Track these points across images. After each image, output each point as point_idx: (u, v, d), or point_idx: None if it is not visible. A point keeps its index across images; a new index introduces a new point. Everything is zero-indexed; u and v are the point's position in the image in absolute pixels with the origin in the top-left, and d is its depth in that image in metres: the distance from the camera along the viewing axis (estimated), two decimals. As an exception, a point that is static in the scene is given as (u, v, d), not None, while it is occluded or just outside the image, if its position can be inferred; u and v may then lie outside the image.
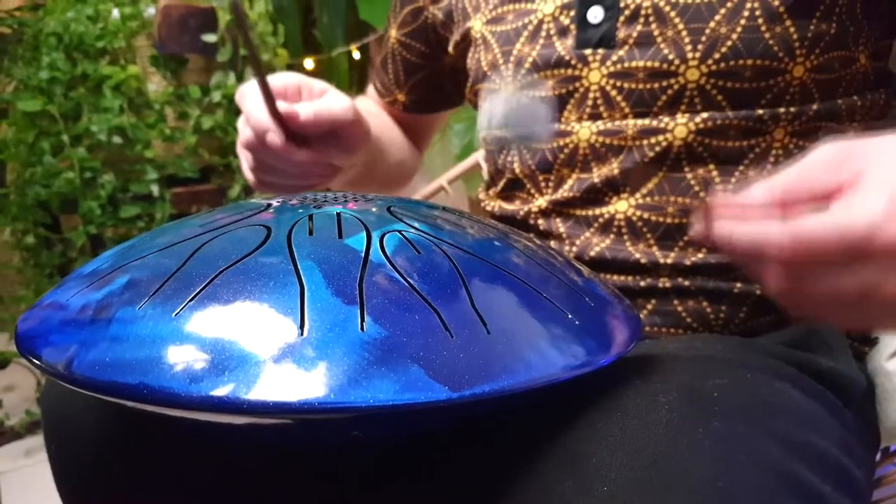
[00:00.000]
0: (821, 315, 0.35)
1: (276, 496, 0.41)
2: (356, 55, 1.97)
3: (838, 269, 0.30)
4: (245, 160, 0.58)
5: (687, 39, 0.48)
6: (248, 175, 0.59)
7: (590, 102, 0.52)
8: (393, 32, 0.74)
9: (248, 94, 0.54)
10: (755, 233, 0.32)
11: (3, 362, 1.45)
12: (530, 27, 0.54)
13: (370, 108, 0.79)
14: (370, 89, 0.82)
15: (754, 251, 0.33)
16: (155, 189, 1.44)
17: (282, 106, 0.52)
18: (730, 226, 0.34)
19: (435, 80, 0.73)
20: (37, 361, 0.29)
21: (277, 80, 0.54)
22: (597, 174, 0.52)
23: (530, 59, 0.54)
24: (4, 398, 1.54)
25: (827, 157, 0.32)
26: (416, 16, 0.70)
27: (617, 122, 0.51)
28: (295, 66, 1.80)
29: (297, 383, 0.25)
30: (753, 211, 0.33)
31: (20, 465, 1.40)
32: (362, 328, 0.27)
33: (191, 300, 0.28)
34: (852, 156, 0.32)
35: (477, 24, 0.59)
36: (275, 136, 0.52)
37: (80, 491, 0.45)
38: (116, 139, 1.40)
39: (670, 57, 0.48)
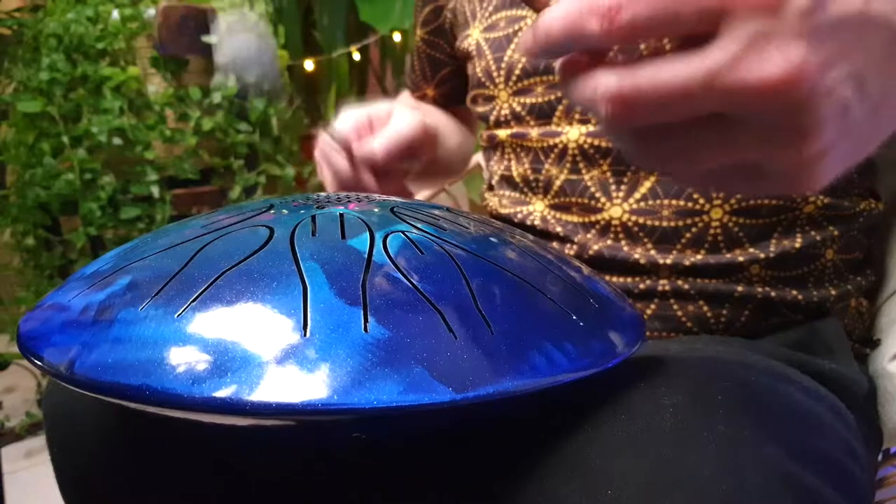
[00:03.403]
0: (671, 151, 0.26)
1: (278, 498, 0.41)
2: (356, 56, 1.98)
3: (685, 53, 0.23)
4: (330, 185, 0.61)
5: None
6: (330, 189, 0.62)
7: (578, 108, 0.52)
8: (417, 31, 0.76)
9: (329, 151, 0.57)
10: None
11: (4, 364, 1.44)
12: (520, 33, 0.55)
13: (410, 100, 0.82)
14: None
15: (570, 33, 0.25)
16: (155, 190, 1.44)
17: (356, 147, 0.55)
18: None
19: (463, 73, 0.74)
20: (39, 362, 0.29)
21: (347, 121, 0.57)
22: (587, 176, 0.52)
23: (520, 66, 0.55)
24: (4, 400, 1.54)
25: None
26: (436, 14, 0.72)
27: None
28: (295, 68, 1.80)
29: (300, 384, 0.25)
30: None
31: (21, 466, 1.40)
32: (365, 329, 0.27)
33: (193, 301, 0.28)
34: None
35: (475, 33, 0.60)
36: (369, 183, 0.56)
37: (82, 492, 0.44)
38: (116, 140, 1.40)
39: None
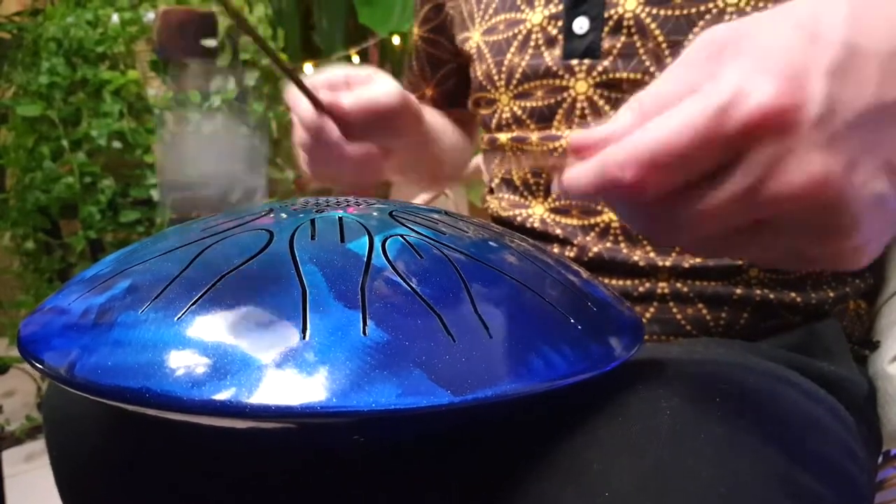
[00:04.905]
0: (711, 248, 0.28)
1: (277, 500, 0.41)
2: (356, 59, 1.98)
3: (704, 184, 0.25)
4: (302, 158, 0.58)
5: (667, 52, 0.48)
6: (307, 170, 0.60)
7: (578, 112, 0.52)
8: (416, 30, 0.75)
9: (295, 95, 0.54)
10: (595, 164, 0.26)
11: (3, 368, 1.44)
12: (520, 37, 0.55)
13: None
14: None
15: (604, 186, 0.26)
16: (155, 194, 1.44)
17: (325, 96, 0.52)
18: (576, 167, 0.27)
19: (463, 72, 0.73)
20: (39, 365, 0.29)
21: (322, 76, 0.55)
22: None
23: (520, 69, 0.55)
24: (4, 403, 1.54)
25: (706, 46, 0.26)
26: (437, 12, 0.71)
27: None
28: (294, 71, 1.80)
29: (299, 387, 0.25)
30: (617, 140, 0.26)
31: (21, 470, 1.40)
32: (364, 332, 0.27)
33: (193, 304, 0.28)
34: (738, 38, 0.25)
35: (475, 35, 0.60)
36: (329, 135, 0.53)
37: (81, 495, 0.44)
38: (116, 144, 1.40)
39: (651, 69, 0.48)
